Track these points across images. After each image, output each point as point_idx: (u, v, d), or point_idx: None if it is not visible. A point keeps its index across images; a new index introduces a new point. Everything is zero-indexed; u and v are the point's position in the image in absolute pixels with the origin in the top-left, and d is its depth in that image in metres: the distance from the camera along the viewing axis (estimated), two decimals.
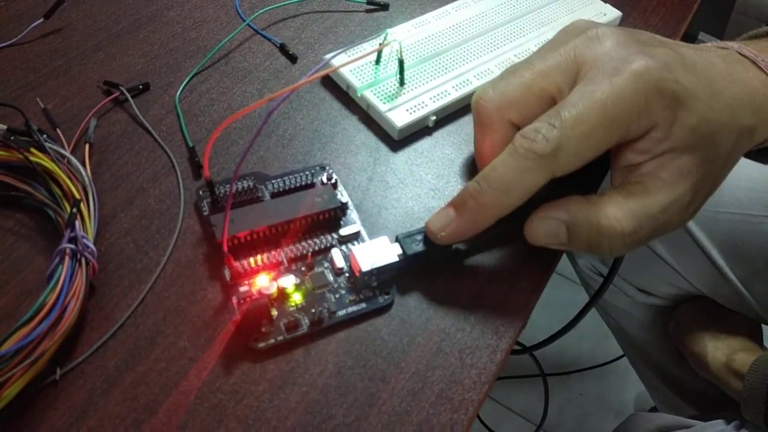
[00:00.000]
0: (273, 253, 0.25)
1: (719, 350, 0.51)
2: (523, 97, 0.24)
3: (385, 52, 0.31)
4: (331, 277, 0.25)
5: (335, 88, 0.32)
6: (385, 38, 0.31)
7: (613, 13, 0.36)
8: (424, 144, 0.30)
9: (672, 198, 0.22)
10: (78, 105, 0.30)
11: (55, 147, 0.26)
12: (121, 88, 0.30)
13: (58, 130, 0.28)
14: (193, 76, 0.32)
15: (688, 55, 0.23)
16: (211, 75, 0.32)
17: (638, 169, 0.23)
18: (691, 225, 0.52)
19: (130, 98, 0.30)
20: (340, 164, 0.29)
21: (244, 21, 0.35)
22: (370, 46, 0.32)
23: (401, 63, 0.30)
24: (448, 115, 0.31)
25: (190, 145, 0.28)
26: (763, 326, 0.54)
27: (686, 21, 0.38)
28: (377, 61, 0.31)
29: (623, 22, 0.37)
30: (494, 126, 0.24)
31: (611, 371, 0.84)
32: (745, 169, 0.52)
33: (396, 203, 0.28)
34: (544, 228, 0.23)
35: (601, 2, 0.37)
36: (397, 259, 0.24)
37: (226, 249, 0.23)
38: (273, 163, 0.29)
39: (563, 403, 0.85)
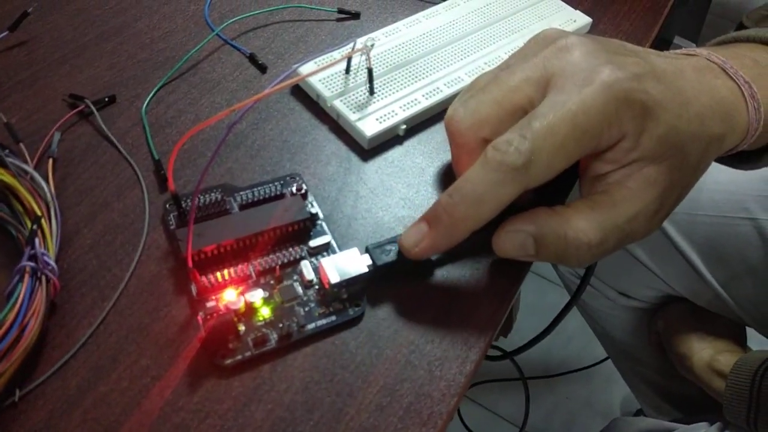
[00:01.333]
0: (241, 266, 0.24)
1: (704, 351, 0.52)
2: (495, 113, 0.24)
3: (355, 61, 0.31)
4: (300, 290, 0.24)
5: (305, 97, 0.32)
6: (353, 48, 0.31)
7: (583, 20, 0.36)
8: (394, 153, 0.30)
9: (639, 208, 0.23)
10: (42, 119, 0.29)
11: (17, 162, 0.26)
12: (86, 101, 0.29)
13: (21, 144, 0.27)
14: (160, 88, 0.31)
15: (657, 64, 0.23)
16: (179, 86, 0.32)
17: (606, 178, 0.23)
18: (670, 229, 0.52)
19: (95, 111, 0.29)
20: (309, 174, 0.29)
21: (213, 31, 0.34)
22: (340, 54, 0.32)
23: (370, 72, 0.30)
24: (419, 124, 0.31)
25: (156, 157, 0.28)
26: (748, 328, 0.54)
27: (657, 26, 0.38)
28: (347, 70, 0.31)
29: (593, 29, 0.37)
30: (469, 145, 0.24)
31: (597, 374, 0.84)
32: (723, 172, 0.52)
33: (366, 214, 0.27)
34: (512, 241, 0.23)
35: (571, 9, 0.37)
36: (366, 270, 0.24)
37: (190, 264, 0.23)
38: (241, 174, 0.28)
39: (549, 406, 0.85)
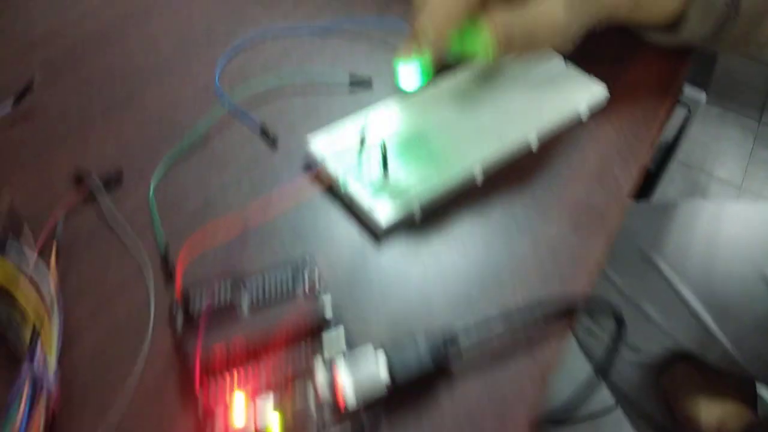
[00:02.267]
0: (251, 369, 0.23)
1: (712, 414, 0.50)
2: (451, 11, 0.29)
3: (368, 135, 0.30)
4: (313, 407, 0.23)
5: (316, 174, 0.30)
6: (363, 131, 0.30)
7: (599, 90, 0.35)
8: (410, 238, 0.29)
9: (546, 18, 0.29)
10: (47, 199, 0.28)
11: (19, 251, 0.25)
12: (92, 177, 0.28)
13: (24, 227, 0.26)
14: (169, 165, 0.30)
15: None
16: (188, 162, 0.31)
17: None
18: (681, 286, 0.51)
19: (101, 190, 0.28)
20: (321, 256, 0.27)
21: (223, 102, 0.33)
22: (353, 125, 0.31)
23: (384, 156, 0.29)
24: (436, 208, 0.30)
25: (163, 251, 0.26)
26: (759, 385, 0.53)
27: (673, 88, 0.38)
28: (360, 147, 0.30)
29: (611, 103, 0.35)
30: None
31: (605, 422, 0.83)
32: (734, 229, 0.52)
33: (381, 306, 0.26)
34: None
35: (587, 77, 0.36)
36: (385, 391, 0.23)
37: (198, 390, 0.22)
38: (250, 254, 0.27)
39: None
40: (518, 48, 0.29)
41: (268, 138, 0.32)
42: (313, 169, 0.30)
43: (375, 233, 0.29)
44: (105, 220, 0.28)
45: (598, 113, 0.35)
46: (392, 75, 0.36)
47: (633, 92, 0.37)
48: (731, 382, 0.53)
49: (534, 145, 0.33)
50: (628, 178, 0.32)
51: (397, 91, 0.34)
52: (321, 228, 0.29)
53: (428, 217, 0.29)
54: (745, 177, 1.49)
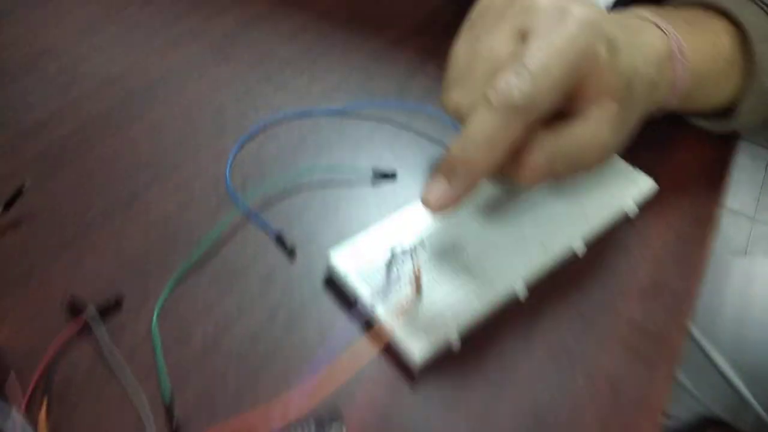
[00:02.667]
0: None
1: None
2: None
3: (397, 253, 0.27)
4: None
5: (340, 294, 0.27)
6: (392, 252, 0.26)
7: (646, 182, 0.32)
8: (448, 375, 0.25)
9: (592, 140, 0.25)
10: (37, 332, 0.25)
11: (2, 409, 0.22)
12: (89, 309, 0.25)
13: (10, 375, 0.23)
14: (174, 286, 0.27)
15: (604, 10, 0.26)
16: (197, 278, 0.27)
17: (568, 110, 0.25)
18: (711, 350, 0.49)
19: (98, 321, 0.25)
20: (346, 396, 0.24)
21: (235, 200, 0.30)
22: (378, 235, 0.28)
23: (418, 278, 0.26)
24: (476, 332, 0.26)
25: (167, 400, 0.23)
26: None
27: (723, 179, 0.34)
28: (389, 264, 0.27)
29: (659, 194, 0.32)
30: None
31: None
32: (766, 289, 0.50)
33: None
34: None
35: (633, 169, 0.32)
36: None
37: None
38: (266, 396, 0.23)
39: None
40: (560, 174, 0.26)
41: (286, 248, 0.29)
42: (358, 318, 0.26)
43: (408, 368, 0.25)
44: (102, 359, 0.25)
45: (646, 208, 0.32)
46: (417, 165, 0.33)
47: (681, 182, 0.33)
48: None
49: (580, 251, 0.30)
50: (686, 293, 0.29)
51: (422, 185, 0.31)
52: (346, 360, 0.25)
53: (467, 341, 0.26)
54: (758, 207, 1.46)
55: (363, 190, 0.32)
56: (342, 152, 0.34)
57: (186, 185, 0.31)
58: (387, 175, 0.32)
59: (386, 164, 0.33)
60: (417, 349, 0.25)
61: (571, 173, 0.26)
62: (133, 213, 0.30)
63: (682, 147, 0.35)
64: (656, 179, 0.32)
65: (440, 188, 0.24)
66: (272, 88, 0.37)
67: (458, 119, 0.26)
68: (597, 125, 0.25)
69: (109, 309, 0.26)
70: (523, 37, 0.25)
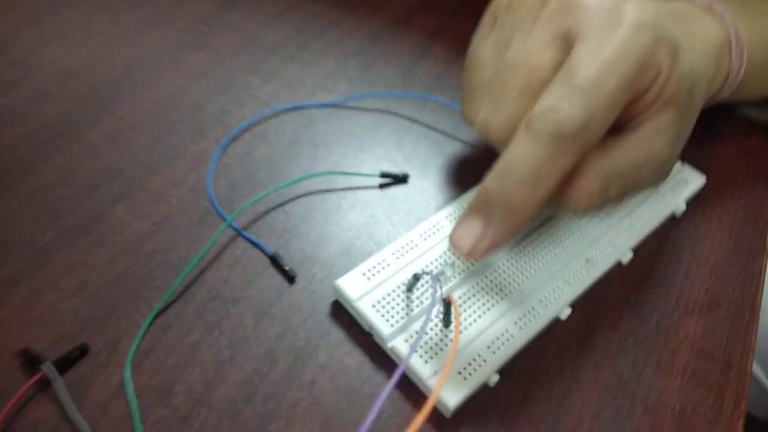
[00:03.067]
0: None
1: None
2: (529, 103, 0.20)
3: (418, 268, 0.22)
4: None
5: (351, 325, 0.23)
6: (412, 280, 0.22)
7: (695, 178, 0.28)
8: (485, 415, 0.21)
9: (648, 156, 0.21)
10: None
11: None
12: (46, 364, 0.20)
13: None
14: (151, 322, 0.22)
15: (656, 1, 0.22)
16: (178, 314, 0.23)
17: (621, 124, 0.21)
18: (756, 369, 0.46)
19: (58, 377, 0.20)
20: None
21: (223, 219, 0.26)
22: (392, 256, 0.23)
23: (447, 308, 0.22)
24: (514, 362, 0.22)
25: None
26: None
27: None
28: (408, 288, 0.23)
29: (706, 187, 0.28)
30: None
31: None
32: None
33: None
34: None
35: (685, 166, 0.28)
36: None
37: None
38: None
39: None
40: (615, 198, 0.21)
41: (283, 271, 0.24)
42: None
43: (439, 415, 0.21)
44: (66, 423, 0.20)
45: (695, 209, 0.28)
46: (430, 163, 0.29)
47: (731, 179, 0.30)
48: None
49: (627, 260, 0.26)
50: (749, 306, 0.25)
51: (439, 190, 0.27)
52: (362, 406, 0.21)
53: (505, 372, 0.22)
54: None
55: (370, 197, 0.27)
56: (343, 153, 0.29)
57: (161, 198, 0.26)
58: (397, 179, 0.28)
59: (395, 165, 0.29)
60: (450, 394, 0.20)
61: (627, 196, 0.22)
62: (97, 236, 0.25)
63: (730, 140, 0.31)
64: (704, 174, 0.28)
65: (475, 231, 0.20)
66: (258, 79, 0.32)
67: (487, 139, 0.22)
68: (654, 139, 0.21)
69: (72, 360, 0.21)
70: (566, 43, 0.21)
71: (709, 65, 0.24)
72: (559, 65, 0.20)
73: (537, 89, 0.20)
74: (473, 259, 0.21)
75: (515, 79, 0.21)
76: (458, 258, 0.24)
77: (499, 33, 0.23)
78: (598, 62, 0.19)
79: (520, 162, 0.19)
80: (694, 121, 0.23)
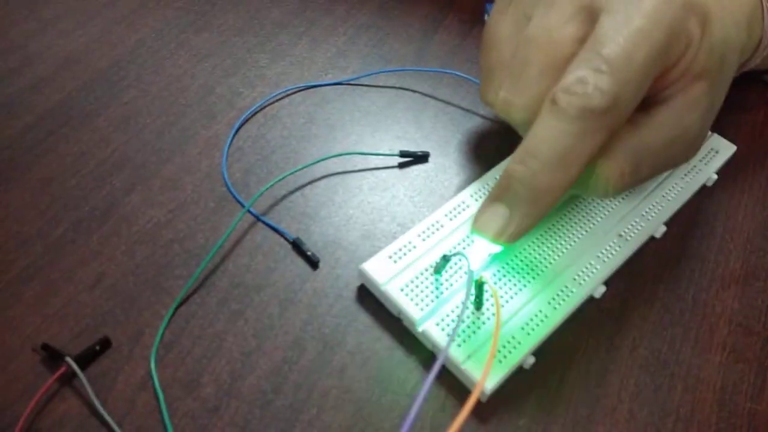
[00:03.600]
0: None
1: None
2: (552, 80, 0.19)
3: (447, 261, 0.22)
4: None
5: (378, 308, 0.22)
6: (440, 260, 0.21)
7: (726, 146, 0.27)
8: (522, 398, 0.20)
9: (680, 131, 0.20)
10: (6, 388, 0.20)
11: None
12: (67, 359, 0.20)
13: None
14: (173, 313, 0.22)
15: None
16: (202, 305, 0.22)
17: (648, 98, 0.20)
18: None
19: (80, 374, 0.20)
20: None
21: (244, 205, 0.25)
22: (418, 237, 0.22)
23: (480, 290, 0.21)
24: (550, 343, 0.21)
25: None
26: None
27: None
28: (437, 270, 0.23)
29: (736, 156, 0.27)
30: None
31: None
32: None
33: None
34: None
35: (714, 135, 0.27)
36: None
37: None
38: None
39: None
40: (646, 176, 0.20)
41: (306, 256, 0.23)
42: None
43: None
44: (92, 418, 0.19)
45: (727, 179, 0.27)
46: (450, 140, 0.28)
47: (759, 144, 0.28)
48: None
49: (660, 233, 0.25)
50: None
51: (461, 167, 0.26)
52: (395, 393, 0.20)
53: (540, 354, 0.21)
54: None
55: (390, 178, 0.26)
56: (360, 132, 0.28)
57: (175, 185, 0.26)
58: (417, 157, 0.27)
59: (414, 143, 0.28)
60: (486, 378, 0.20)
61: (658, 174, 0.21)
62: (111, 226, 0.24)
63: (757, 107, 0.30)
64: (734, 143, 0.27)
65: (499, 220, 0.19)
66: (266, 58, 0.31)
67: (509, 121, 0.21)
68: (685, 114, 0.20)
69: (94, 354, 0.21)
70: (590, 15, 0.19)
71: (741, 33, 0.23)
72: (583, 40, 0.19)
73: (561, 66, 0.19)
74: (498, 242, 0.20)
75: (537, 56, 0.20)
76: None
77: (518, 8, 0.22)
78: (627, 32, 0.18)
79: (546, 142, 0.18)
80: (725, 93, 0.22)
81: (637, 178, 0.20)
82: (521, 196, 0.19)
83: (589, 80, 0.17)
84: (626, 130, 0.19)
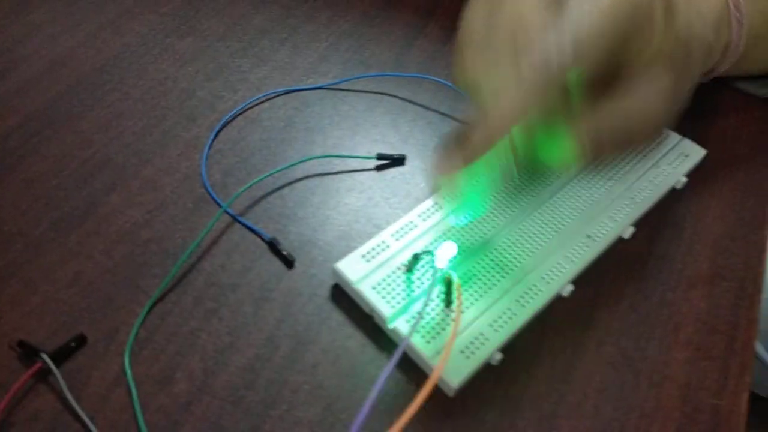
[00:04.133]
0: None
1: None
2: (521, 52, 0.20)
3: (418, 259, 0.22)
4: None
5: (351, 307, 0.23)
6: (411, 259, 0.22)
7: (696, 150, 0.27)
8: (489, 393, 0.21)
9: (642, 108, 0.21)
10: None
11: None
12: (42, 355, 0.20)
13: None
14: (148, 311, 0.22)
15: None
16: (176, 301, 0.22)
17: (613, 79, 0.21)
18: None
19: (55, 370, 0.20)
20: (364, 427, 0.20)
21: (218, 205, 0.25)
22: (392, 237, 0.23)
23: (449, 287, 0.22)
24: (517, 339, 0.22)
25: None
26: None
27: None
28: (409, 269, 0.23)
29: (707, 161, 0.28)
30: None
31: None
32: None
33: None
34: None
35: (679, 137, 0.28)
36: None
37: None
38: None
39: None
40: (607, 149, 0.22)
41: (282, 256, 0.24)
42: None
43: (441, 395, 0.21)
44: (66, 414, 0.20)
45: (696, 182, 0.27)
46: (427, 144, 0.28)
47: (730, 150, 0.29)
48: None
49: (628, 234, 0.26)
50: (753, 279, 0.25)
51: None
52: (364, 388, 0.21)
53: (508, 350, 0.21)
54: None
55: (367, 180, 0.27)
56: (339, 136, 0.28)
57: (154, 186, 0.26)
58: (394, 160, 0.28)
59: (391, 147, 0.28)
60: (453, 374, 0.20)
61: (619, 150, 0.22)
62: (91, 225, 0.25)
63: (729, 114, 0.31)
64: (704, 147, 0.28)
65: (455, 157, 0.20)
66: (248, 63, 0.32)
67: (475, 94, 0.22)
68: (648, 96, 0.21)
69: (69, 351, 0.21)
70: (559, 3, 0.20)
71: (707, 31, 0.24)
72: (552, 21, 0.20)
73: (529, 44, 0.20)
74: (450, 184, 0.21)
75: (507, 39, 0.21)
76: (458, 230, 0.24)
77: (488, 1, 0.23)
78: (593, 13, 0.19)
79: (507, 98, 0.19)
80: (691, 83, 0.23)
81: (599, 148, 0.21)
82: (482, 146, 0.20)
83: (552, 44, 0.19)
84: (590, 105, 0.21)
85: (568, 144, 0.20)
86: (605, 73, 0.20)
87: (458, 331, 0.21)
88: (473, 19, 0.23)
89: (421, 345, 0.21)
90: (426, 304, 0.20)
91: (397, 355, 0.15)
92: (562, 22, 0.19)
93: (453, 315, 0.21)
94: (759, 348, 0.49)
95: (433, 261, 0.22)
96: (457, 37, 0.24)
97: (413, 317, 0.21)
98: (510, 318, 0.22)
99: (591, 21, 0.19)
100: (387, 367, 0.14)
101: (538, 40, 0.19)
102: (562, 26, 0.19)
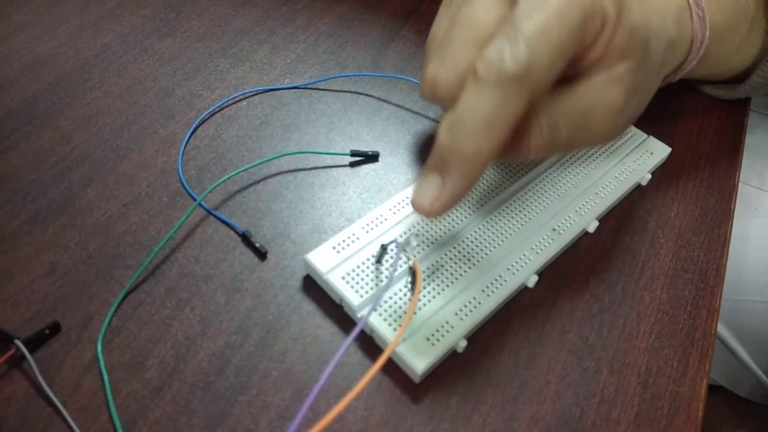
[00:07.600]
0: None
1: None
2: (477, 53, 0.20)
3: (385, 240, 0.23)
4: None
5: (322, 297, 0.23)
6: (380, 250, 0.23)
7: (660, 148, 0.29)
8: (455, 379, 0.21)
9: (599, 101, 0.21)
10: None
11: None
12: (16, 342, 0.21)
13: None
14: (122, 299, 0.23)
15: None
16: (149, 291, 0.23)
17: (571, 74, 0.21)
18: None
19: (29, 356, 0.21)
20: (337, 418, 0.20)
21: (193, 199, 0.26)
22: (362, 230, 0.24)
23: (414, 277, 0.22)
24: (482, 328, 0.23)
25: None
26: None
27: (739, 143, 0.31)
28: (378, 260, 0.24)
29: (672, 159, 0.29)
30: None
31: None
32: (764, 252, 0.48)
33: None
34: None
35: (643, 135, 0.29)
36: None
37: None
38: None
39: None
40: (564, 143, 0.22)
41: (255, 248, 0.25)
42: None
43: (408, 381, 0.22)
44: (39, 399, 0.20)
45: (661, 179, 0.28)
46: (400, 142, 0.29)
47: (695, 148, 0.30)
48: (761, 413, 0.49)
49: (593, 228, 0.26)
50: (715, 272, 0.25)
51: (409, 167, 0.28)
52: (336, 377, 0.21)
53: (473, 338, 0.22)
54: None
55: (341, 175, 0.28)
56: (314, 133, 0.29)
57: (130, 181, 0.27)
58: (368, 157, 0.28)
59: (366, 144, 0.29)
60: (418, 360, 0.21)
61: (580, 142, 0.22)
62: (67, 218, 0.25)
63: (695, 114, 0.32)
64: (669, 145, 0.29)
65: (433, 188, 0.20)
66: (227, 63, 0.32)
67: (437, 100, 0.22)
68: (607, 87, 0.21)
69: (43, 338, 0.21)
70: (510, 3, 0.21)
71: (667, 24, 0.24)
72: (504, 20, 0.20)
73: (483, 43, 0.20)
74: (435, 216, 0.21)
75: (462, 33, 0.22)
76: (426, 222, 0.24)
77: (452, 7, 0.24)
78: (543, 10, 0.19)
79: (470, 109, 0.19)
80: (654, 79, 0.24)
81: (555, 141, 0.21)
82: (450, 163, 0.19)
83: (506, 49, 0.19)
84: (548, 98, 0.21)
85: (526, 136, 0.21)
86: (564, 70, 0.21)
87: (424, 317, 0.22)
88: (436, 28, 0.24)
89: (385, 330, 0.21)
90: (388, 285, 0.20)
91: (355, 332, 0.16)
92: (513, 22, 0.19)
93: (420, 306, 0.22)
94: (739, 349, 0.50)
95: (397, 247, 0.23)
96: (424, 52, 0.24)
97: (381, 306, 0.22)
98: (475, 307, 0.22)
99: (540, 14, 0.19)
100: (345, 342, 0.14)
101: (490, 45, 0.19)
102: (513, 28, 0.19)
